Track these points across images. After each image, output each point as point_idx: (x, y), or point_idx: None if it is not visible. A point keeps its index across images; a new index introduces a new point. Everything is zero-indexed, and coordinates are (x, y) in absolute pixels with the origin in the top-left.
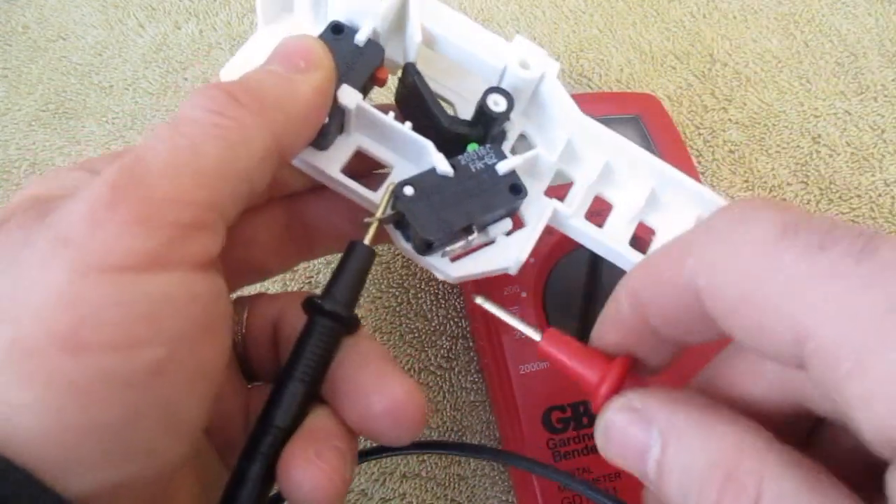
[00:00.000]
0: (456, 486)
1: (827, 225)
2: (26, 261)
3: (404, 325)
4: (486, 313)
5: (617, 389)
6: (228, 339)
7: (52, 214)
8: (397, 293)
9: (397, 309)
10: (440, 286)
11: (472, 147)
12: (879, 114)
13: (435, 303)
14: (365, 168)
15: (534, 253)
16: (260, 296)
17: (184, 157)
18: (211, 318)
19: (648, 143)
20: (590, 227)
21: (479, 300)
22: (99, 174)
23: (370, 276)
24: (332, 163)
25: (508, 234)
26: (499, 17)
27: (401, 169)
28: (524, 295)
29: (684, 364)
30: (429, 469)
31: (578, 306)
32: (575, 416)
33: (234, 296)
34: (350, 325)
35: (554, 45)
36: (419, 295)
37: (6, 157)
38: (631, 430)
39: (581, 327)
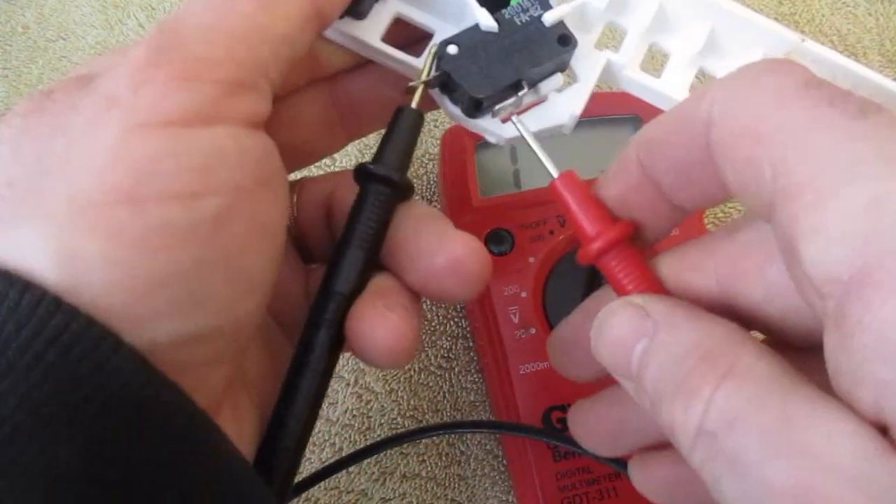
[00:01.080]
0: (456, 486)
1: (845, 90)
2: (75, 123)
3: None
4: (486, 313)
5: (609, 249)
6: (286, 197)
7: (97, 80)
8: None
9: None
10: None
11: (515, 0)
12: None
13: (435, 303)
14: (407, 39)
15: (534, 253)
16: (308, 178)
17: (222, 19)
18: (265, 173)
19: None
20: (647, 78)
21: (500, 105)
22: None
23: None
24: (370, 32)
25: (560, 90)
26: None
27: (442, 33)
28: (524, 295)
29: None
30: (429, 469)
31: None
32: None
33: None
34: (404, 189)
35: None
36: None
37: None
38: (626, 325)
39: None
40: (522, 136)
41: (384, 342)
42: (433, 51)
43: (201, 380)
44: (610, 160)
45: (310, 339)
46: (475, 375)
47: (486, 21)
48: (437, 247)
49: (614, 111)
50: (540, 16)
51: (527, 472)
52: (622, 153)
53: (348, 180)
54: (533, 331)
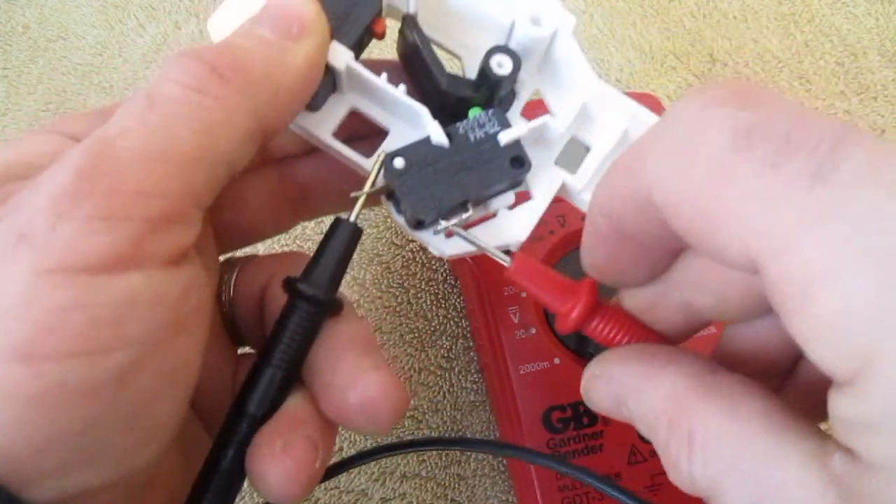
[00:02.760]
0: (456, 486)
1: (783, 130)
2: None
3: (404, 325)
4: (486, 313)
5: (583, 321)
6: (203, 335)
7: (13, 200)
8: (397, 293)
9: (397, 309)
10: (440, 286)
11: (473, 112)
12: (879, 114)
13: (435, 303)
14: (365, 129)
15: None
16: (250, 258)
17: (157, 143)
18: (181, 316)
19: None
20: None
21: (443, 225)
22: (77, 140)
23: (371, 275)
24: (323, 125)
25: (512, 207)
26: None
27: (397, 131)
28: (524, 295)
29: None
30: (429, 469)
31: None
32: (575, 416)
33: (223, 257)
34: (331, 308)
35: None
36: (419, 295)
37: None
38: (601, 392)
39: None
40: (464, 250)
41: (276, 485)
42: (380, 161)
43: None
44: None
45: (216, 461)
46: (475, 375)
47: (438, 136)
48: (352, 382)
49: None
50: (496, 133)
51: (526, 472)
52: (587, 223)
53: (286, 268)
54: (533, 331)
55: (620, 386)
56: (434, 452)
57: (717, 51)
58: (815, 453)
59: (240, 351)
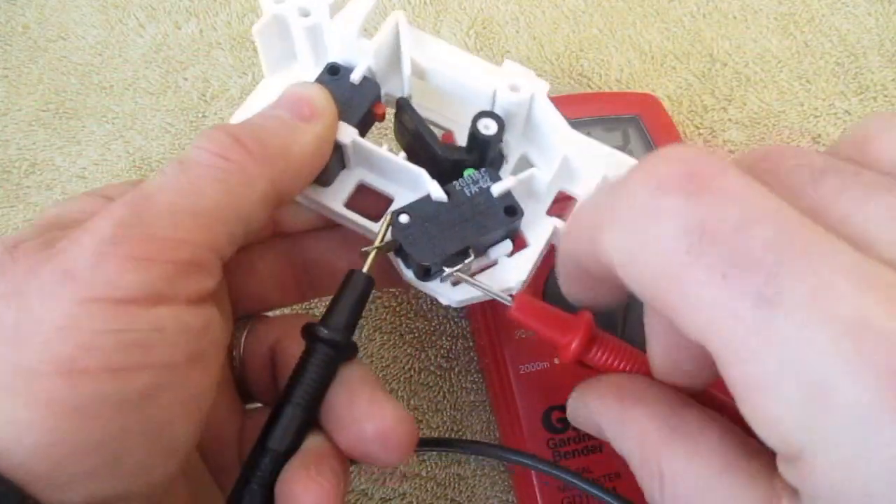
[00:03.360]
0: (456, 485)
1: (733, 242)
2: (31, 289)
3: (404, 325)
4: (485, 313)
5: (582, 352)
6: (216, 368)
7: (59, 244)
8: (397, 293)
9: (397, 309)
10: None
11: (467, 172)
12: None
13: (435, 303)
14: (374, 205)
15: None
16: (260, 318)
17: (186, 199)
18: (199, 348)
19: (648, 143)
20: None
21: (448, 272)
22: (113, 201)
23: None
24: (335, 197)
25: (511, 255)
26: (499, 17)
27: (402, 198)
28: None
29: None
30: (429, 469)
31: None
32: None
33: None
34: (347, 352)
35: (554, 45)
36: (419, 295)
37: (6, 157)
38: (584, 418)
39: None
40: (471, 296)
41: None
42: (388, 219)
43: None
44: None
45: (241, 495)
46: (475, 375)
47: (437, 193)
48: (368, 414)
49: (614, 111)
50: (489, 187)
51: (526, 472)
52: (557, 264)
53: (295, 329)
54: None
55: (599, 418)
56: (434, 452)
57: (717, 51)
58: (765, 495)
59: (247, 406)
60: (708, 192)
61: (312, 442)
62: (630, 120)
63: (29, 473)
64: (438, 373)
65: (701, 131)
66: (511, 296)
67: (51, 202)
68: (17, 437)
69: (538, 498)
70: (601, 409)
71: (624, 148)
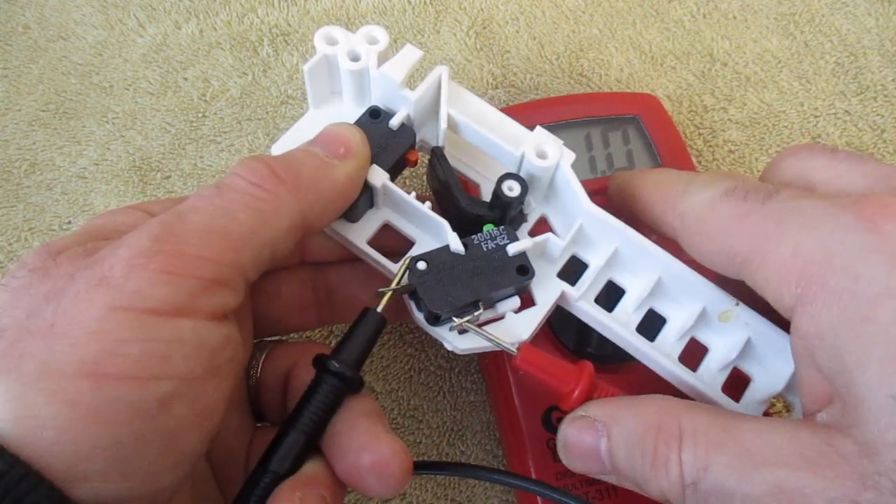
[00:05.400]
0: (456, 486)
1: (751, 184)
2: (68, 293)
3: (404, 325)
4: None
5: (584, 399)
6: (231, 383)
7: (99, 253)
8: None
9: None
10: None
11: (487, 227)
12: (879, 114)
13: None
14: (396, 244)
15: None
16: (279, 342)
17: (218, 221)
18: (216, 362)
19: (648, 143)
20: (598, 311)
21: (457, 322)
22: (154, 216)
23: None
24: (360, 234)
25: (518, 311)
26: (499, 17)
27: (423, 243)
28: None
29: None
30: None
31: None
32: None
33: (255, 340)
34: (354, 385)
35: (554, 45)
36: None
37: (6, 157)
38: (582, 435)
39: (581, 329)
40: (477, 345)
41: None
42: (406, 263)
43: None
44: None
45: None
46: (475, 375)
47: (456, 245)
48: (366, 445)
49: (614, 111)
50: (505, 245)
51: (527, 472)
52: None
53: (310, 355)
54: None
55: (604, 417)
56: (434, 452)
57: (717, 51)
58: (799, 421)
59: (259, 425)
60: (739, 178)
61: (310, 467)
62: (630, 120)
63: (47, 466)
64: (438, 373)
65: (701, 131)
66: (517, 347)
67: (51, 202)
68: (38, 431)
69: (538, 498)
70: (608, 410)
71: (624, 148)
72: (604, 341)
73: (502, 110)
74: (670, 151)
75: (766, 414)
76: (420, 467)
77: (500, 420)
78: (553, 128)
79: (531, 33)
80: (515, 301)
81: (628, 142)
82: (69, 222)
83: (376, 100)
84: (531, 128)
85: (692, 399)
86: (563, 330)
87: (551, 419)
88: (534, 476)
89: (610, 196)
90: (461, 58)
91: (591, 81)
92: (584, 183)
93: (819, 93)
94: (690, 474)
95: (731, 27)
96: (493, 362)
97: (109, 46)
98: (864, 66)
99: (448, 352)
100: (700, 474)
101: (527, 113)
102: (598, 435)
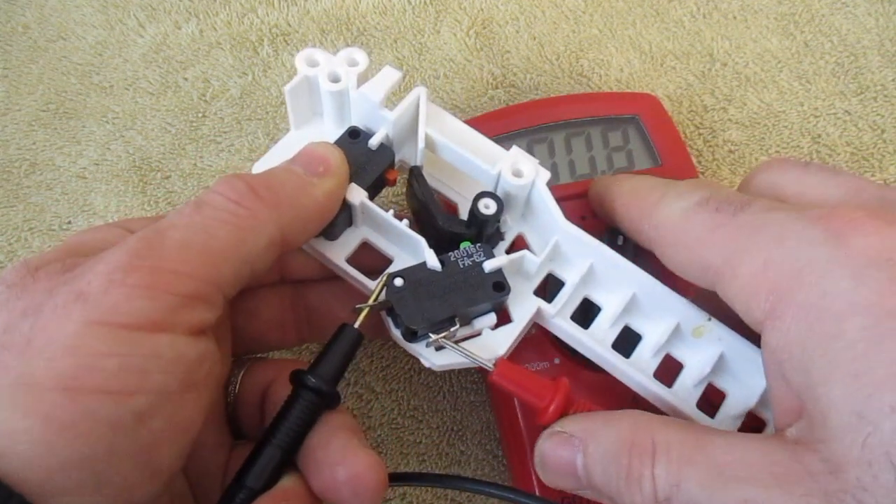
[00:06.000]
0: None
1: (724, 195)
2: (46, 308)
3: None
4: None
5: (560, 414)
6: (209, 398)
7: (77, 269)
8: None
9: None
10: None
11: (464, 245)
12: (879, 114)
13: None
14: (374, 262)
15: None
16: (258, 359)
17: (197, 237)
18: (194, 378)
19: (648, 143)
20: (573, 328)
21: (433, 338)
22: (134, 233)
23: None
24: (339, 252)
25: (495, 328)
26: (499, 17)
27: (400, 260)
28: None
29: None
30: (429, 469)
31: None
32: None
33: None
34: (331, 400)
35: (554, 45)
36: None
37: (6, 157)
38: (559, 450)
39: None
40: (453, 361)
41: None
42: (384, 280)
43: None
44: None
45: None
46: (475, 375)
47: (433, 261)
48: (342, 459)
49: (614, 111)
50: (482, 262)
51: (526, 472)
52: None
53: (287, 374)
54: (533, 331)
55: (581, 432)
56: (434, 452)
57: (717, 51)
58: (769, 436)
59: (237, 441)
60: (713, 188)
61: (286, 482)
62: (630, 120)
63: (20, 480)
64: (438, 373)
65: (701, 131)
66: (493, 363)
67: (51, 202)
68: (11, 445)
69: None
70: (584, 426)
71: (624, 148)
72: None
73: (502, 110)
74: (670, 151)
75: (740, 429)
76: (396, 479)
77: (500, 420)
78: (553, 128)
79: (531, 33)
80: (492, 318)
81: (628, 142)
82: (69, 222)
83: (356, 120)
84: (524, 132)
85: (668, 414)
86: None
87: None
88: (534, 476)
89: (591, 202)
90: (461, 58)
91: (591, 81)
92: (584, 183)
93: (819, 93)
94: (663, 490)
95: (731, 27)
96: None
97: (109, 46)
98: (864, 66)
99: None
100: (672, 490)
101: (527, 113)
102: (574, 450)
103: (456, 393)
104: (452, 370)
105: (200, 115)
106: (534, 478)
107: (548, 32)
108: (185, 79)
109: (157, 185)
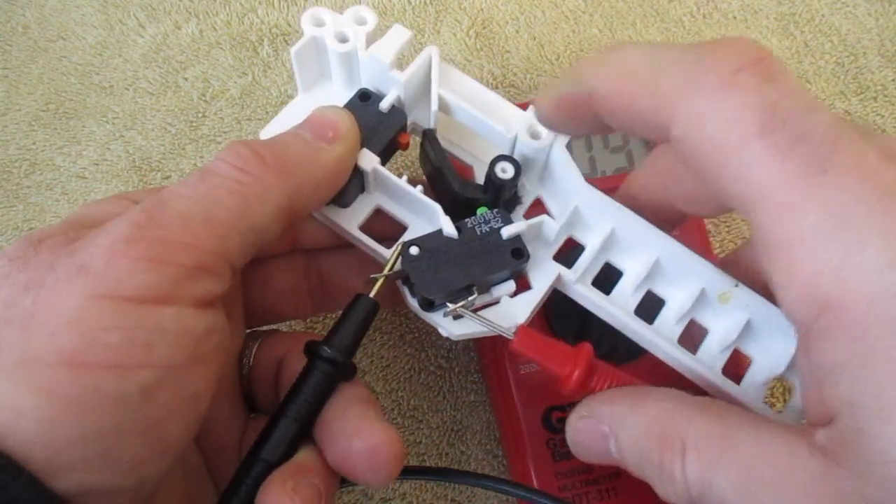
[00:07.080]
0: (456, 486)
1: (800, 126)
2: (48, 282)
3: (404, 325)
4: None
5: (583, 382)
6: (217, 371)
7: (79, 241)
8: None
9: (398, 309)
10: None
11: (480, 210)
12: (879, 114)
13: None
14: (389, 229)
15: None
16: (272, 332)
17: (201, 206)
18: (202, 351)
19: (648, 143)
20: (595, 294)
21: (451, 307)
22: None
23: None
24: (351, 219)
25: (513, 295)
26: (499, 17)
27: (415, 227)
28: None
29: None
30: None
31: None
32: None
33: (249, 330)
34: (346, 371)
35: (554, 45)
36: None
37: (6, 157)
38: (590, 432)
39: (581, 326)
40: (472, 330)
41: None
42: (399, 249)
43: None
44: (610, 160)
45: (229, 500)
46: (475, 375)
47: (449, 229)
48: (358, 430)
49: None
50: (499, 228)
51: (526, 472)
52: (568, 83)
53: (302, 345)
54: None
55: (610, 419)
56: (434, 452)
57: None
58: (798, 435)
59: (252, 415)
60: (779, 79)
61: (302, 455)
62: None
63: (27, 458)
64: (438, 373)
65: None
66: (513, 331)
67: (51, 202)
68: (17, 422)
69: None
70: (613, 410)
71: (624, 148)
72: (602, 340)
73: None
74: None
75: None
76: (409, 472)
77: (500, 420)
78: None
79: (531, 33)
80: (511, 285)
81: (628, 142)
82: None
83: (366, 82)
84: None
85: (692, 384)
86: (562, 329)
87: (551, 419)
88: (534, 476)
89: (557, 107)
90: (461, 58)
91: None
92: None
93: (819, 93)
94: (696, 488)
95: (731, 27)
96: (493, 362)
97: (109, 46)
98: (864, 66)
99: (448, 351)
100: (705, 489)
101: None
102: (606, 437)
103: (456, 393)
104: (452, 370)
105: (200, 115)
106: (534, 478)
107: (548, 32)
108: (185, 79)
109: (156, 185)
